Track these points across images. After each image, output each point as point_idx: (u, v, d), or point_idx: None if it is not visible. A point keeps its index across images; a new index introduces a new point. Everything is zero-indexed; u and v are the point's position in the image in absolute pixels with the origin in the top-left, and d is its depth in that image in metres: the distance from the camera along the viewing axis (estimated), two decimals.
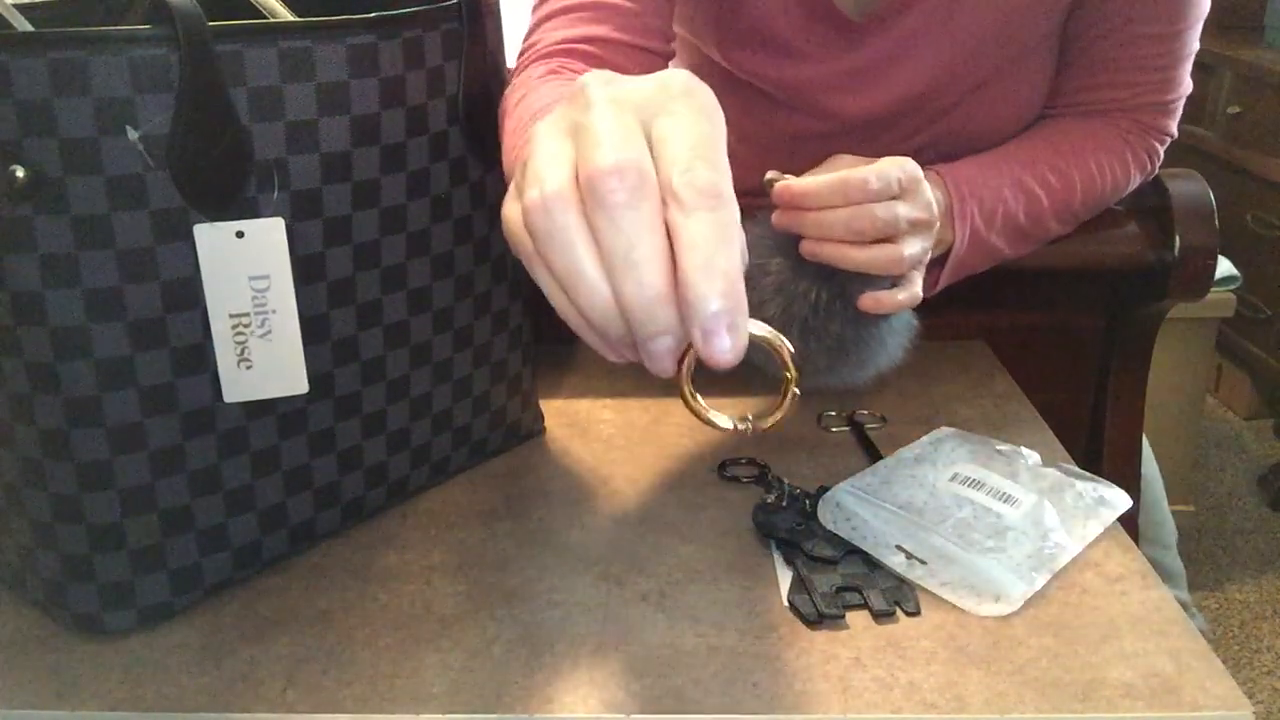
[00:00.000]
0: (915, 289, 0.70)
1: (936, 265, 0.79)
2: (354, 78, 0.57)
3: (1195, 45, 0.83)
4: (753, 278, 0.68)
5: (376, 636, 0.56)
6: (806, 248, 0.67)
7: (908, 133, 0.87)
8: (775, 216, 0.68)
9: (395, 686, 0.53)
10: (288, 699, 0.52)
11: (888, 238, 0.66)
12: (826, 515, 0.63)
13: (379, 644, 0.56)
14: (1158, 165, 0.88)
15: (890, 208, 0.65)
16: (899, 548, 0.60)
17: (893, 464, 0.68)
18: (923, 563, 0.59)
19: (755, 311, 0.61)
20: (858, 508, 0.63)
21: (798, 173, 0.69)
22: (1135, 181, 0.87)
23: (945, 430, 0.74)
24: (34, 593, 0.58)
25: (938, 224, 0.71)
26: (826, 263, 0.67)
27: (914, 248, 0.68)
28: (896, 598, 0.58)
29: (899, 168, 0.66)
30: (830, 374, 0.71)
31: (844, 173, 0.65)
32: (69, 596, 0.56)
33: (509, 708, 0.51)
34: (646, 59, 0.79)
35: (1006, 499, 0.64)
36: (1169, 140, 0.87)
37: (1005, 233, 0.80)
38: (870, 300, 0.68)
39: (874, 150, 0.71)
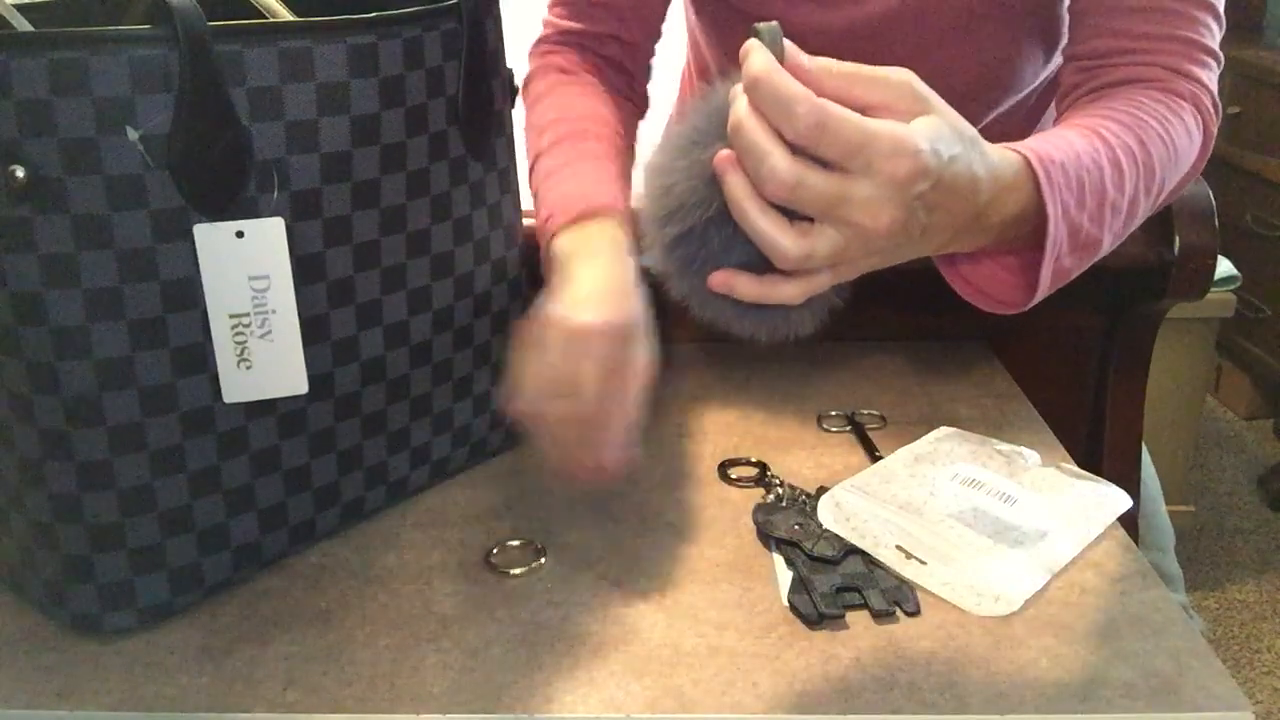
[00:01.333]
0: (800, 288, 0.54)
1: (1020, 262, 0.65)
2: (354, 78, 0.57)
3: None
4: (682, 150, 0.54)
5: (376, 636, 0.56)
6: (718, 161, 0.51)
7: None
8: (734, 91, 0.51)
9: (395, 686, 0.53)
10: (288, 699, 0.52)
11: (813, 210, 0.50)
12: (826, 514, 0.63)
13: (379, 644, 0.56)
14: (1208, 115, 0.75)
15: (839, 179, 0.49)
16: (899, 548, 0.60)
17: (893, 463, 0.68)
18: (922, 562, 0.59)
19: (660, 196, 0.53)
20: (858, 507, 0.63)
21: None
22: (1196, 136, 0.74)
23: (945, 430, 0.74)
24: (34, 593, 0.58)
25: (918, 229, 0.54)
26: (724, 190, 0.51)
27: (827, 244, 0.51)
28: (896, 598, 0.58)
29: (934, 139, 0.50)
30: (709, 309, 0.57)
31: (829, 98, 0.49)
32: (69, 596, 0.56)
33: (509, 708, 0.51)
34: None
35: (1006, 499, 0.64)
36: (1210, 93, 0.76)
37: (1095, 210, 0.63)
38: (721, 279, 0.53)
39: None
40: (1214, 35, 0.77)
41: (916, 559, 0.59)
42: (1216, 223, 0.86)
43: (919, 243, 0.56)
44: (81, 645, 0.56)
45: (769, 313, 0.57)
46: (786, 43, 0.50)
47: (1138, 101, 0.73)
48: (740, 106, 0.49)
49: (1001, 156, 0.58)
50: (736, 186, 0.50)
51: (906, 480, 0.66)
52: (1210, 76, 0.76)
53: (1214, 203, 0.87)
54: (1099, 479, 0.68)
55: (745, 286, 0.53)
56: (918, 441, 0.72)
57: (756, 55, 0.49)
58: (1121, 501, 0.66)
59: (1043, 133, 0.67)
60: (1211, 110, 0.76)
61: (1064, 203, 0.61)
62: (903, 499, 0.64)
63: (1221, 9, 0.77)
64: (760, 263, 0.53)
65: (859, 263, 0.54)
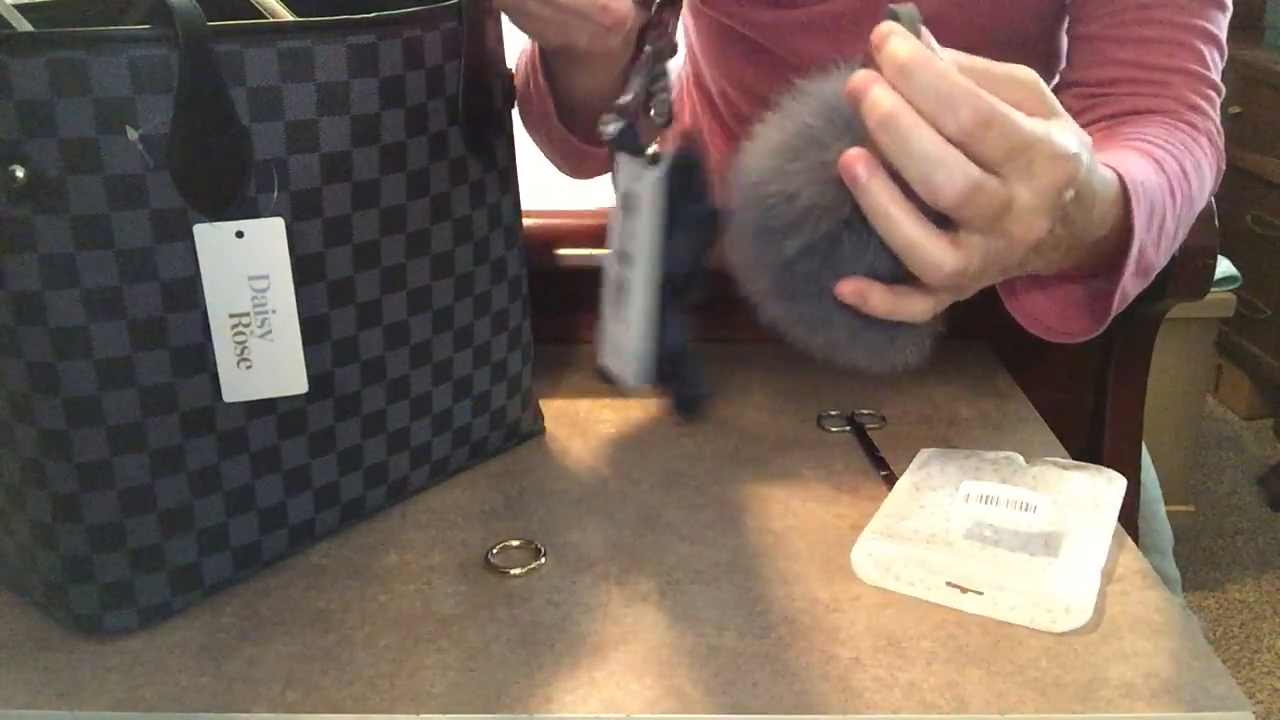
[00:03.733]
0: (931, 303, 0.51)
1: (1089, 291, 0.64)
2: (354, 78, 0.57)
3: (1207, 24, 0.75)
4: (796, 149, 0.48)
5: (376, 636, 0.56)
6: (848, 162, 0.46)
7: None
8: (860, 81, 0.45)
9: (395, 686, 0.53)
10: (288, 699, 0.52)
11: (970, 222, 0.46)
12: (865, 568, 0.61)
13: (379, 644, 0.56)
14: (1219, 152, 0.76)
15: (1005, 185, 0.45)
16: (949, 584, 0.58)
17: (897, 500, 0.66)
18: (979, 593, 0.58)
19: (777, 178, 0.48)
20: (892, 554, 0.60)
21: None
22: (1210, 171, 0.74)
23: (927, 452, 0.72)
24: (34, 593, 0.58)
25: (1059, 245, 0.52)
26: (858, 198, 0.47)
27: (979, 256, 0.47)
28: None
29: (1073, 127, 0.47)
30: (820, 332, 0.53)
31: (995, 75, 0.46)
32: (69, 596, 0.56)
33: (509, 708, 0.51)
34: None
35: (1026, 508, 0.63)
36: (1217, 126, 0.77)
37: (1155, 236, 0.62)
38: (853, 287, 0.49)
39: None
40: (1218, 69, 0.77)
41: (973, 591, 0.58)
42: (1216, 223, 0.86)
43: (1039, 259, 0.53)
44: (81, 645, 0.56)
45: (882, 338, 0.52)
46: (922, 30, 0.45)
47: (1169, 132, 0.72)
48: (884, 99, 0.44)
49: (1106, 172, 0.56)
50: (881, 191, 0.45)
51: (918, 513, 0.64)
52: (1215, 110, 0.77)
53: (1214, 203, 0.87)
54: (1088, 465, 0.68)
55: (879, 299, 0.49)
56: (907, 472, 0.69)
57: (901, 41, 0.44)
58: (1118, 479, 0.66)
59: (1111, 151, 0.65)
60: (1219, 144, 0.76)
61: (1143, 226, 0.59)
62: (925, 534, 0.62)
63: (1224, 41, 0.77)
64: (889, 277, 0.48)
65: (985, 278, 0.50)
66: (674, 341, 0.59)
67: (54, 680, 0.53)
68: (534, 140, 0.85)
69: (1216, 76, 0.77)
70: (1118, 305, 0.63)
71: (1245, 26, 2.67)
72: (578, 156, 0.82)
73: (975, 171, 0.44)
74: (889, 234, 0.46)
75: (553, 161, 0.87)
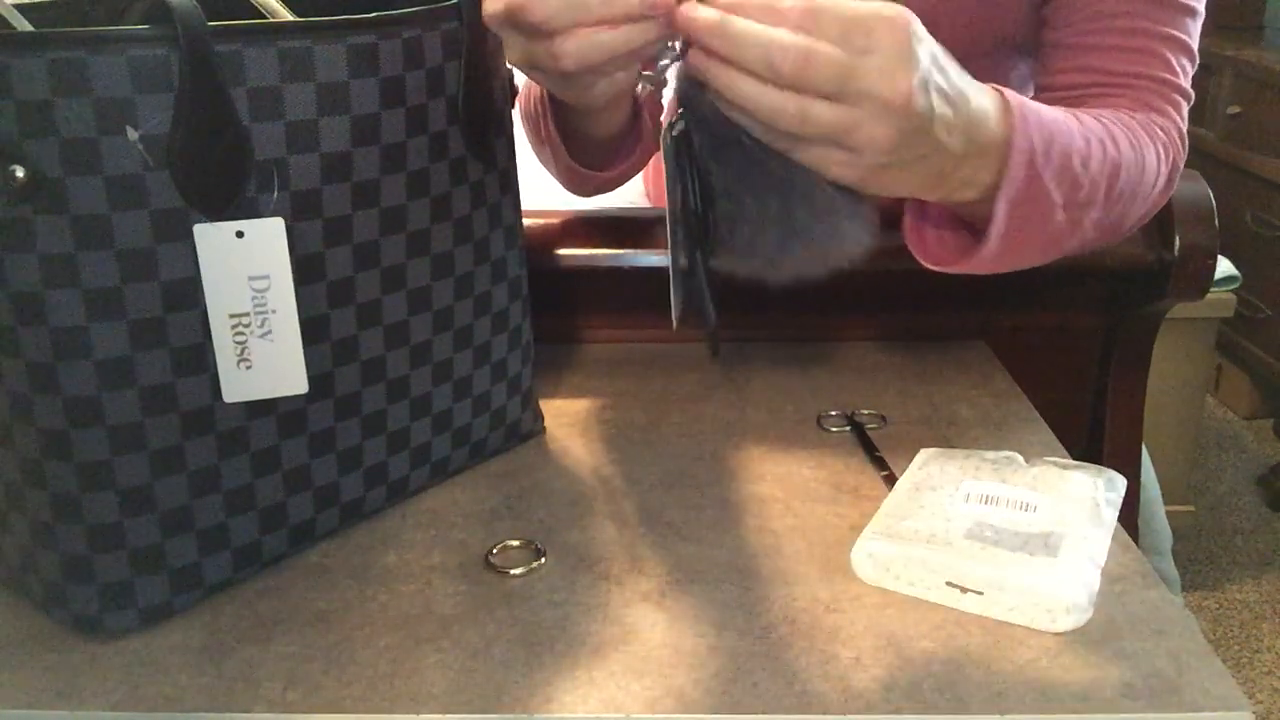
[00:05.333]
0: (845, 159, 0.53)
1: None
2: (354, 78, 0.57)
3: (1177, 31, 0.77)
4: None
5: (376, 636, 0.56)
6: (693, 58, 0.51)
7: None
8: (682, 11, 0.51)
9: (395, 686, 0.53)
10: (288, 699, 0.52)
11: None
12: (865, 568, 0.61)
13: (379, 644, 0.56)
14: (1176, 151, 0.77)
15: (847, 55, 0.49)
16: (949, 584, 0.58)
17: (896, 500, 0.66)
18: (979, 593, 0.58)
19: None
20: (892, 554, 0.60)
21: None
22: (1163, 167, 0.75)
23: (927, 452, 0.71)
24: (34, 593, 0.58)
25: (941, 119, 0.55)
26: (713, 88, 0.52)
27: (829, 113, 0.51)
28: None
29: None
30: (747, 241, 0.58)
31: None
32: (69, 596, 0.56)
33: (509, 708, 0.51)
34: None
35: (1025, 507, 0.63)
36: (1180, 131, 0.78)
37: (1057, 172, 0.64)
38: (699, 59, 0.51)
39: None
40: (1187, 76, 0.78)
41: (973, 591, 0.58)
42: (1216, 223, 0.86)
43: (945, 141, 0.56)
44: (81, 645, 0.56)
45: (823, 231, 0.58)
46: None
47: (1113, 114, 0.74)
48: (707, 12, 0.50)
49: (979, 84, 0.59)
50: (720, 73, 0.50)
51: (918, 513, 0.64)
52: (1182, 115, 0.78)
53: (1214, 203, 0.87)
54: (1088, 465, 0.68)
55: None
56: (907, 472, 0.69)
57: (700, 10, 0.50)
58: (1119, 479, 0.66)
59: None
60: (1179, 145, 0.77)
61: (1032, 145, 0.62)
62: (925, 534, 0.62)
63: (1196, 49, 0.78)
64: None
65: (883, 156, 0.53)
66: (694, 278, 0.62)
67: (54, 680, 0.53)
68: (538, 158, 0.86)
69: (1185, 83, 0.78)
70: (1005, 240, 0.64)
71: (1245, 26, 2.67)
72: (581, 180, 0.84)
73: (804, 39, 0.49)
74: (736, 99, 0.51)
75: (556, 178, 0.88)
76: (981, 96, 0.59)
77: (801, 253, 0.58)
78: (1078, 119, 0.68)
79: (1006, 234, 0.64)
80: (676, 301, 0.61)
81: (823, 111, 0.50)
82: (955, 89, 0.55)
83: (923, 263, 0.70)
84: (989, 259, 0.66)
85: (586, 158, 0.81)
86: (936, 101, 0.53)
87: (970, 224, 0.69)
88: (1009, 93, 0.62)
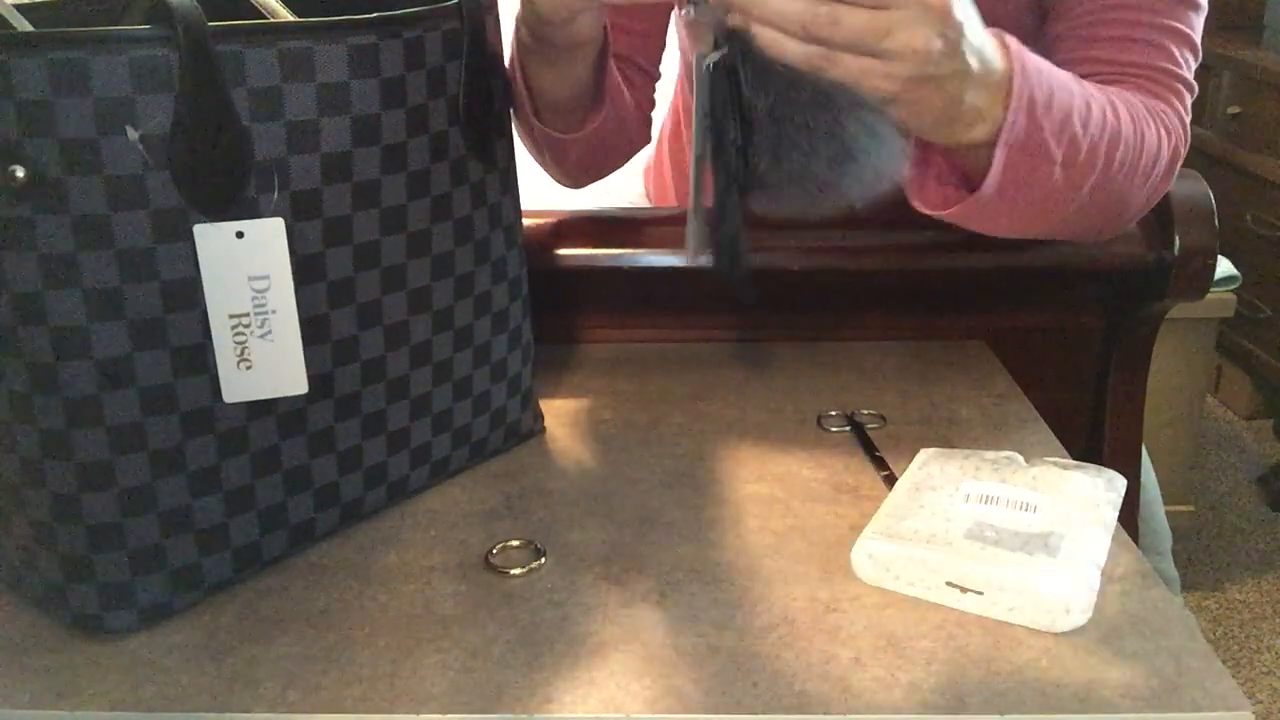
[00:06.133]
0: (880, 69, 0.56)
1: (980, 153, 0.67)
2: (354, 78, 0.57)
3: (1179, 24, 0.78)
4: None
5: (376, 636, 0.56)
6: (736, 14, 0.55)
7: None
8: None
9: (395, 686, 0.53)
10: (288, 699, 0.52)
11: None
12: (865, 568, 0.61)
13: (379, 644, 0.56)
14: (1179, 138, 0.78)
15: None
16: (949, 584, 0.58)
17: (896, 500, 0.66)
18: (979, 593, 0.58)
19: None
20: (893, 554, 0.60)
21: None
22: (1164, 152, 0.76)
23: (927, 452, 0.71)
24: (34, 593, 0.58)
25: (961, 53, 0.58)
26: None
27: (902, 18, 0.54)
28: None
29: None
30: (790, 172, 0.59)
31: None
32: (69, 596, 0.56)
33: (509, 708, 0.51)
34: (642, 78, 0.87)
35: (1026, 507, 0.63)
36: (1182, 120, 0.79)
37: (1057, 127, 0.66)
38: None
39: None
40: (1190, 68, 0.79)
41: (973, 591, 0.58)
42: (1216, 223, 0.86)
43: (959, 66, 0.58)
44: (81, 645, 0.56)
45: (862, 164, 0.58)
46: None
47: (1117, 93, 0.75)
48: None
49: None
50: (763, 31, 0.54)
51: (918, 513, 0.64)
52: (1185, 105, 0.79)
53: (1214, 203, 0.87)
54: (1088, 465, 0.67)
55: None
56: (907, 472, 0.69)
57: None
58: (1119, 479, 0.66)
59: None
60: (1181, 133, 0.78)
61: (1033, 94, 0.64)
62: (925, 534, 0.61)
63: (1199, 43, 0.79)
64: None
65: (919, 66, 0.56)
66: (727, 221, 0.62)
67: (54, 680, 0.53)
68: (533, 153, 0.86)
69: (1188, 74, 0.79)
70: (1007, 162, 0.65)
71: (1245, 26, 2.67)
72: (558, 148, 0.83)
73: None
74: (763, 13, 0.54)
75: (541, 164, 0.88)
76: (984, 32, 0.61)
77: (853, 173, 0.58)
78: (1078, 82, 0.70)
79: (1004, 182, 0.65)
80: (695, 238, 0.61)
81: (856, 15, 0.52)
82: (973, 14, 0.58)
83: (921, 209, 0.71)
84: (987, 204, 0.67)
85: (558, 122, 0.80)
86: (968, 16, 0.56)
87: (970, 183, 0.70)
88: (1008, 37, 0.64)
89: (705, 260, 0.62)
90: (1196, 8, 0.78)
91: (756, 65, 0.56)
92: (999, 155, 0.64)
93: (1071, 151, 0.68)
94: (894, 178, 0.60)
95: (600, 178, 0.91)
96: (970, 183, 0.69)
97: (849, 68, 0.55)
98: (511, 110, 0.83)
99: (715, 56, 0.57)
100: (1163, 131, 0.76)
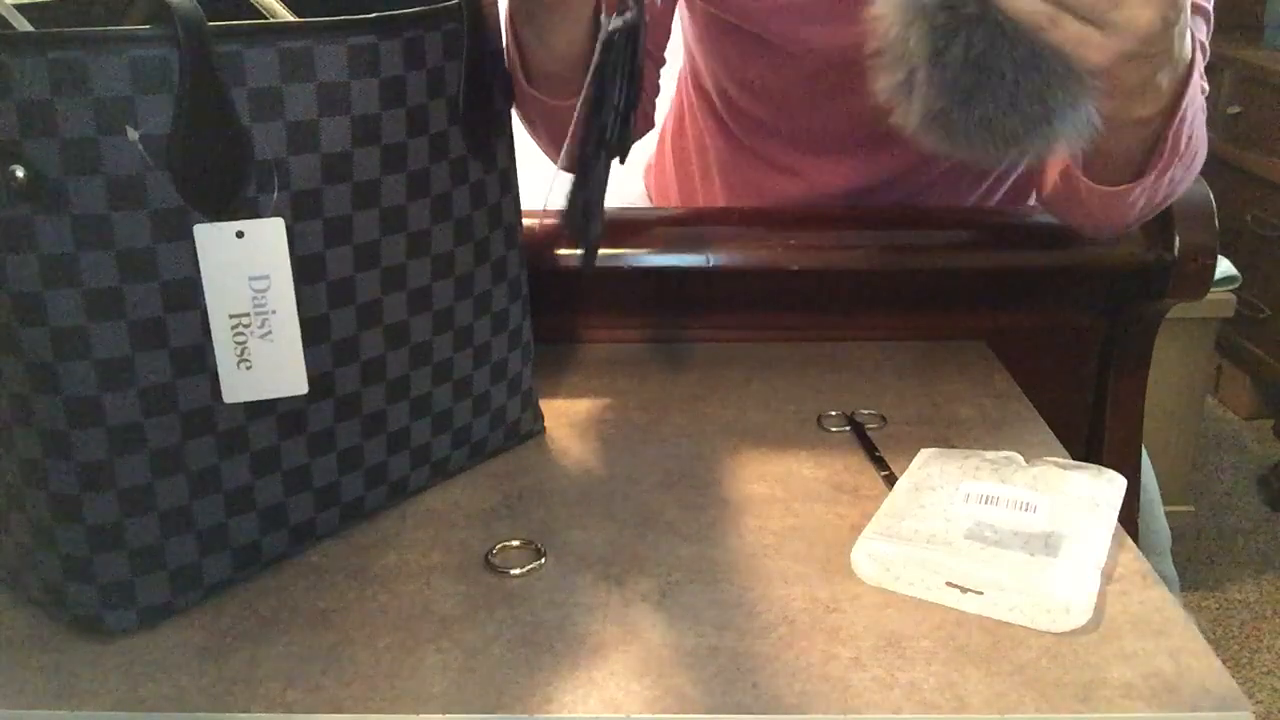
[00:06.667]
0: (1098, 43, 0.56)
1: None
2: (354, 78, 0.57)
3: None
4: None
5: (376, 636, 0.56)
6: None
7: None
8: None
9: (395, 686, 0.53)
10: (288, 699, 0.52)
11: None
12: (865, 567, 0.61)
13: (379, 644, 0.56)
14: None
15: None
16: (949, 584, 0.58)
17: (896, 501, 0.66)
18: (979, 593, 0.58)
19: None
20: (893, 554, 0.60)
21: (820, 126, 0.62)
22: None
23: (927, 452, 0.71)
24: (34, 593, 0.58)
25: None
26: None
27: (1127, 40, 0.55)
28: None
29: None
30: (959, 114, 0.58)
31: None
32: (69, 596, 0.56)
33: (509, 708, 0.51)
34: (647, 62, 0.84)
35: (1026, 508, 0.63)
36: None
37: (1191, 122, 0.69)
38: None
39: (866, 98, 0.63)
40: (1205, 35, 0.79)
41: (973, 591, 0.58)
42: (1216, 223, 0.86)
43: (1168, 45, 0.59)
44: (81, 645, 0.56)
45: (1039, 108, 0.58)
46: None
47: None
48: None
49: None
50: None
51: (918, 513, 0.63)
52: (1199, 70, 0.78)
53: (1214, 203, 0.87)
54: (1088, 465, 0.67)
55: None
56: (907, 472, 0.69)
57: None
58: (1119, 479, 0.66)
59: None
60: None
61: (1195, 85, 0.66)
62: (925, 534, 0.61)
63: (1211, 9, 0.79)
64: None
65: (1137, 43, 0.56)
66: (590, 184, 0.65)
67: (54, 680, 0.53)
68: (527, 129, 0.84)
69: (1204, 39, 0.79)
70: (1153, 188, 0.69)
71: (1245, 26, 2.67)
72: (551, 118, 0.81)
73: None
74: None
75: (537, 140, 0.87)
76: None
77: (1044, 135, 0.59)
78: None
79: (1166, 161, 0.68)
80: (572, 200, 0.63)
81: None
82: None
83: (1089, 183, 0.73)
84: (1154, 180, 0.70)
85: (549, 87, 0.78)
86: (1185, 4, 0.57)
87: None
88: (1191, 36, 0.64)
89: (557, 218, 0.64)
90: None
91: (978, 13, 0.56)
92: (1169, 136, 0.66)
93: (1188, 150, 0.71)
94: (1076, 149, 0.61)
95: None
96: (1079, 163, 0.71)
97: (1068, 32, 0.54)
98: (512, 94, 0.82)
99: (619, 22, 0.58)
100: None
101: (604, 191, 0.66)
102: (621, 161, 0.66)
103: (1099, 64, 0.56)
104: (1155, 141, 0.69)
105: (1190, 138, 0.70)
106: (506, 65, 0.78)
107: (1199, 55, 0.66)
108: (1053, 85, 0.57)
